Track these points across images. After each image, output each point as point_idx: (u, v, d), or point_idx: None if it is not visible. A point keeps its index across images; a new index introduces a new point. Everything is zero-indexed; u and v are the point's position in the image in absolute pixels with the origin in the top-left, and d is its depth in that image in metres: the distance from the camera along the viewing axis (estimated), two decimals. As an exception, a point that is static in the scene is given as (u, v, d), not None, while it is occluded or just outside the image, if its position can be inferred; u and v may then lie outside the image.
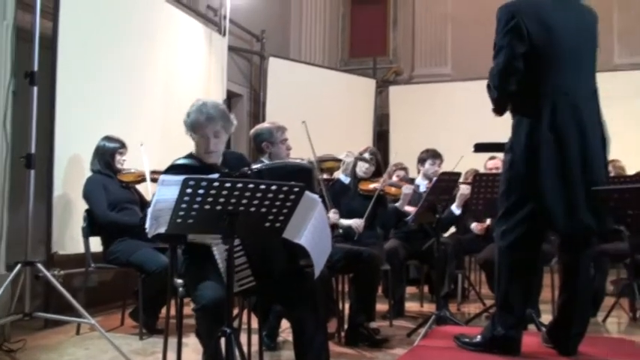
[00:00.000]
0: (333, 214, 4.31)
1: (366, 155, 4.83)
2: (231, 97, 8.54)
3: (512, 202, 3.08)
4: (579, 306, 3.12)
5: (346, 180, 4.75)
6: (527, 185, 3.02)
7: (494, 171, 5.50)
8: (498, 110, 3.11)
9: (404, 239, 5.28)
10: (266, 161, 3.89)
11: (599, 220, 2.99)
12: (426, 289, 6.17)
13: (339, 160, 4.65)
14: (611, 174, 5.27)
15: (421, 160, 5.51)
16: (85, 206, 4.63)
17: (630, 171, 5.51)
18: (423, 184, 5.36)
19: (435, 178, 4.66)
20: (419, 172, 5.57)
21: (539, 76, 3.00)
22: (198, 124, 3.05)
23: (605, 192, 2.35)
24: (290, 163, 3.65)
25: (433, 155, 5.45)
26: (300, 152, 4.30)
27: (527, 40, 2.96)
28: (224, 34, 7.62)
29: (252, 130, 4.17)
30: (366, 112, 9.55)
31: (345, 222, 4.54)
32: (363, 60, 10.28)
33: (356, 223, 4.53)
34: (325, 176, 4.80)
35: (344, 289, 4.60)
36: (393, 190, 4.89)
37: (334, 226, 4.37)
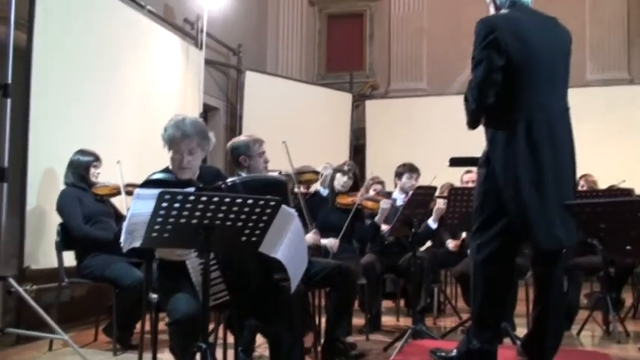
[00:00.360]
0: (313, 235, 4.27)
1: (345, 167, 4.85)
2: (207, 111, 8.52)
3: (487, 215, 3.11)
4: (553, 319, 3.14)
5: (324, 192, 4.76)
6: (502, 199, 3.05)
7: (470, 185, 5.54)
8: (472, 123, 3.14)
9: (380, 253, 5.29)
10: (243, 175, 3.88)
11: (570, 234, 3.03)
12: (402, 303, 6.18)
13: (318, 173, 4.65)
14: (584, 188, 5.34)
15: (398, 174, 5.54)
16: (59, 220, 4.57)
17: (600, 185, 5.58)
18: (400, 198, 5.38)
19: (410, 192, 4.68)
20: (396, 186, 5.59)
21: (515, 90, 3.04)
22: (174, 139, 3.04)
23: (578, 206, 2.38)
24: (264, 177, 3.65)
25: (410, 169, 5.48)
26: (278, 165, 4.30)
27: (505, 54, 3.00)
28: (201, 48, 7.62)
29: (229, 144, 4.14)
30: (343, 126, 9.58)
31: (322, 241, 4.52)
32: (340, 74, 10.33)
33: (330, 242, 4.52)
34: (303, 189, 4.79)
35: (320, 303, 4.59)
36: (370, 204, 4.90)
37: (317, 247, 4.34)
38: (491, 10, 3.26)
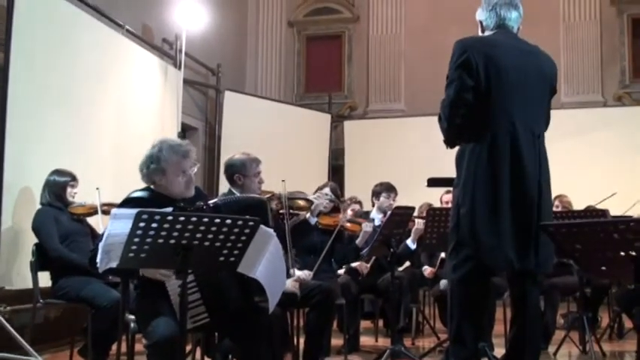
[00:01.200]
0: (293, 282, 4.22)
1: (327, 190, 4.84)
2: (186, 130, 8.50)
3: (462, 236, 3.13)
4: (530, 339, 3.16)
5: (313, 221, 4.71)
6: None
7: (449, 205, 5.58)
8: (447, 141, 3.18)
9: (356, 273, 5.28)
10: (237, 193, 3.85)
11: (522, 256, 3.03)
12: (381, 323, 6.17)
13: (310, 202, 4.61)
14: (559, 209, 5.39)
15: (375, 194, 5.53)
16: (34, 240, 4.51)
17: (575, 206, 5.64)
18: (377, 218, 5.38)
19: (389, 212, 4.70)
20: (373, 206, 5.59)
21: (483, 112, 3.08)
22: (178, 162, 3.03)
23: (554, 227, 2.40)
24: (245, 198, 3.63)
25: (387, 188, 5.48)
26: (266, 186, 4.28)
27: (476, 75, 3.04)
28: (179, 68, 7.62)
29: (226, 160, 4.08)
30: (322, 147, 9.61)
31: (297, 273, 4.49)
32: (319, 95, 10.38)
33: (304, 274, 4.50)
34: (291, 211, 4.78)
35: (299, 324, 4.57)
36: (351, 226, 4.90)
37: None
38: (479, 31, 3.32)
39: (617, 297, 5.52)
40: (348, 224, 4.90)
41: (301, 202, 4.55)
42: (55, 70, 5.32)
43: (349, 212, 5.53)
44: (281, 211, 4.34)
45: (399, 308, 5.06)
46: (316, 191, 4.92)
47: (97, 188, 4.70)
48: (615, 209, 5.28)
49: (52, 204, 4.59)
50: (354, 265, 5.35)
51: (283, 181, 4.25)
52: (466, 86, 3.05)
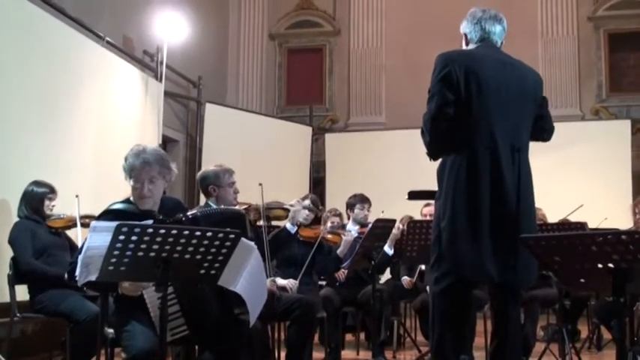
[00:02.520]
0: (270, 282, 4.21)
1: (307, 202, 4.85)
2: (167, 143, 8.46)
3: (443, 249, 3.14)
4: (510, 352, 3.17)
5: (292, 229, 4.70)
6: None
7: (429, 217, 5.59)
8: (430, 154, 3.20)
9: (339, 286, 5.28)
10: (213, 205, 3.85)
11: (502, 270, 3.03)
12: (362, 336, 6.16)
13: (287, 210, 4.61)
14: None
15: (350, 206, 5.52)
16: (11, 253, 4.45)
17: (551, 219, 5.68)
18: (354, 229, 5.35)
19: (370, 225, 4.70)
20: (349, 218, 5.59)
21: (464, 125, 3.10)
22: (134, 168, 2.99)
23: (532, 239, 2.42)
24: (223, 209, 3.62)
25: (361, 200, 5.47)
26: (247, 197, 4.28)
27: (456, 88, 3.07)
28: (160, 80, 7.59)
29: (199, 173, 4.11)
30: (303, 159, 9.61)
31: (280, 282, 4.48)
32: (300, 108, 10.40)
33: (290, 283, 4.49)
34: (274, 223, 4.77)
35: (280, 337, 4.55)
36: (332, 237, 4.91)
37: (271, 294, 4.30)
38: (463, 43, 3.34)
39: (595, 309, 5.56)
40: (329, 235, 4.90)
41: (279, 212, 4.56)
42: (34, 81, 5.28)
43: (329, 224, 5.52)
44: (259, 223, 4.33)
45: (380, 321, 5.06)
46: (305, 207, 4.91)
47: (77, 196, 4.66)
48: (593, 222, 5.33)
49: (29, 217, 4.54)
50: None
51: (260, 184, 4.25)
52: (447, 100, 3.06)
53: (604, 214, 5.89)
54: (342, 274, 5.28)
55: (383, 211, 5.16)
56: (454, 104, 3.07)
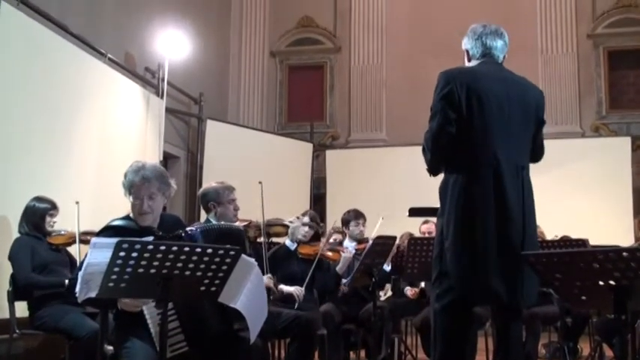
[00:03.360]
0: (267, 279, 4.24)
1: (307, 220, 4.84)
2: (167, 159, 8.47)
3: (446, 267, 3.13)
4: (512, 370, 3.16)
5: (292, 246, 4.70)
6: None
7: (427, 235, 5.58)
8: (431, 171, 3.20)
9: (340, 303, 5.26)
10: (213, 221, 3.87)
11: (510, 290, 3.01)
12: (362, 353, 6.12)
13: (287, 226, 4.62)
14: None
15: (345, 222, 5.44)
16: (12, 270, 4.44)
17: (550, 235, 5.67)
18: (351, 246, 5.30)
19: (370, 242, 4.69)
20: (345, 235, 5.54)
21: (466, 143, 3.10)
22: (134, 184, 3.00)
23: (534, 256, 2.42)
24: (221, 226, 3.63)
25: (355, 216, 5.40)
26: (247, 214, 4.28)
27: (458, 106, 3.07)
28: (162, 96, 7.62)
29: (200, 190, 4.16)
30: (304, 176, 9.62)
31: (285, 288, 4.48)
32: (301, 124, 10.42)
33: (297, 290, 4.49)
34: (274, 239, 4.77)
35: (280, 355, 4.53)
36: (331, 254, 4.89)
37: (268, 290, 4.32)
38: (466, 60, 3.34)
39: (597, 326, 5.53)
40: (329, 253, 4.88)
41: (278, 228, 4.57)
42: (36, 98, 5.30)
43: (330, 241, 5.50)
44: (259, 239, 4.34)
45: (381, 338, 5.04)
46: (304, 223, 4.90)
47: (77, 202, 4.65)
48: (594, 239, 5.32)
49: (29, 233, 4.53)
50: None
51: (260, 182, 4.27)
52: (449, 119, 3.06)
53: (605, 231, 5.89)
54: (343, 287, 5.25)
55: (382, 218, 5.12)
56: (456, 122, 3.08)
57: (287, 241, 4.69)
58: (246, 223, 4.26)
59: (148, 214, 3.03)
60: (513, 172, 3.09)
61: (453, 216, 3.06)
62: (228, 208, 4.00)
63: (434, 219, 4.05)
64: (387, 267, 5.21)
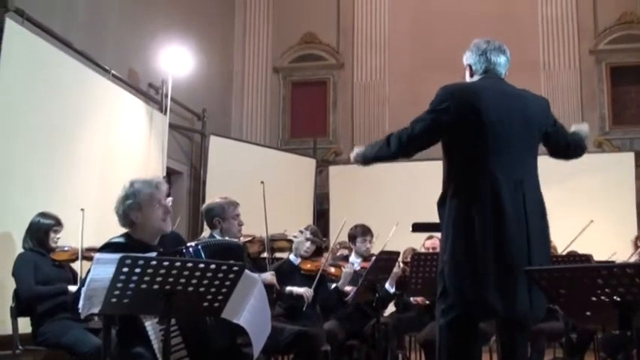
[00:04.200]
0: (270, 276, 4.25)
1: (309, 235, 4.83)
2: (171, 175, 8.48)
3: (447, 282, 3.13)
4: (517, 385, 3.13)
5: (296, 261, 4.69)
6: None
7: (431, 250, 5.57)
8: (372, 160, 3.23)
9: (343, 319, 5.23)
10: (217, 237, 3.88)
11: (509, 304, 2.99)
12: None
13: (291, 241, 4.63)
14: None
15: (352, 238, 5.39)
16: (14, 285, 4.43)
17: (560, 250, 5.66)
18: (357, 262, 5.27)
19: (374, 257, 4.68)
20: (351, 250, 5.51)
21: (463, 160, 3.11)
22: (151, 194, 3.01)
23: (537, 272, 2.41)
24: (222, 241, 3.64)
25: (362, 232, 5.34)
26: (251, 229, 4.29)
27: (449, 124, 3.08)
28: (165, 112, 7.65)
29: (204, 205, 4.18)
30: (307, 191, 9.62)
31: (295, 290, 4.48)
32: (304, 140, 10.44)
33: (307, 292, 4.48)
34: (278, 254, 4.78)
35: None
36: (333, 270, 4.89)
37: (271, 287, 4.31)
38: (467, 74, 3.35)
39: (602, 342, 5.50)
40: (331, 269, 4.87)
41: (282, 243, 4.58)
42: (40, 114, 5.32)
43: (330, 256, 5.47)
44: (263, 255, 4.35)
45: (385, 354, 5.01)
46: (308, 238, 4.89)
47: (82, 209, 4.66)
48: (597, 254, 5.31)
49: (33, 249, 4.53)
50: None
51: (262, 182, 4.29)
52: (431, 131, 3.12)
53: (608, 247, 5.87)
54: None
55: (397, 224, 5.11)
56: (451, 137, 3.10)
57: (291, 256, 4.68)
58: (249, 238, 4.28)
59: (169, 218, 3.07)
60: (511, 187, 3.07)
61: (451, 232, 3.06)
62: (233, 223, 4.02)
63: (438, 234, 4.05)
64: (392, 289, 5.18)
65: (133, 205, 3.02)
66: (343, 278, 4.84)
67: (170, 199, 3.10)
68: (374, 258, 4.63)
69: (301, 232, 4.80)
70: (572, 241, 5.12)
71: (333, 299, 5.02)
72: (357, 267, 5.14)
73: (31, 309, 4.40)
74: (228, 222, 4.00)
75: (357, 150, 3.46)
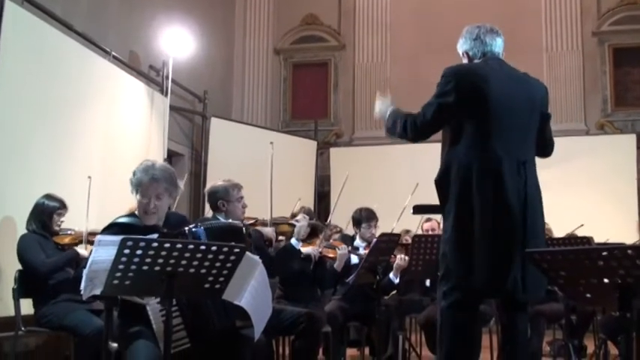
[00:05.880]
0: (316, 252, 4.35)
1: (301, 216, 4.80)
2: (172, 157, 8.48)
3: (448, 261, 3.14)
4: (518, 365, 3.16)
5: (297, 245, 4.67)
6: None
7: (430, 232, 5.57)
8: (392, 135, 3.37)
9: (344, 300, 5.26)
10: (221, 219, 3.89)
11: (500, 283, 3.02)
12: (367, 351, 6.12)
13: (293, 225, 4.62)
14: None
15: (357, 222, 5.34)
16: (17, 267, 4.44)
17: (558, 232, 5.66)
18: (362, 247, 5.25)
19: (374, 240, 4.68)
20: (356, 233, 5.49)
21: (466, 140, 3.11)
22: (142, 183, 3.03)
23: (538, 254, 2.41)
24: (222, 223, 3.65)
25: (368, 218, 5.28)
26: (252, 211, 4.30)
27: (456, 104, 3.08)
28: (166, 94, 7.63)
29: (208, 188, 4.17)
30: (308, 173, 9.62)
31: (305, 249, 4.50)
32: (305, 122, 10.42)
33: (315, 251, 4.49)
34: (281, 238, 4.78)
35: (284, 352, 4.53)
36: (330, 252, 4.88)
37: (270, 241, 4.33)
38: (465, 62, 3.34)
39: (602, 324, 5.52)
40: (327, 250, 4.86)
41: (285, 227, 4.58)
42: (41, 96, 5.31)
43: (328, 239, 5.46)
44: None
45: (386, 336, 5.03)
46: (290, 218, 4.88)
47: (89, 177, 4.73)
48: (598, 236, 5.31)
49: (36, 231, 4.53)
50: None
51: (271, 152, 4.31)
52: (441, 114, 3.13)
53: (609, 229, 5.88)
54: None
55: (393, 228, 5.11)
56: (456, 118, 3.11)
57: (293, 240, 4.66)
58: (252, 221, 4.28)
59: (153, 214, 3.06)
60: (514, 168, 3.09)
61: (453, 211, 3.08)
62: (237, 206, 4.03)
63: (436, 217, 4.06)
64: (396, 280, 5.17)
65: (132, 185, 3.10)
66: (339, 260, 4.86)
67: (162, 200, 3.08)
68: (374, 240, 4.64)
69: (304, 216, 4.80)
70: (565, 237, 5.12)
71: (331, 281, 5.04)
72: (362, 251, 5.11)
73: (42, 286, 4.38)
74: (232, 204, 4.01)
75: (381, 107, 3.45)
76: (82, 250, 4.45)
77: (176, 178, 3.16)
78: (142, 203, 3.05)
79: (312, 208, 9.15)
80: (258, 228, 4.33)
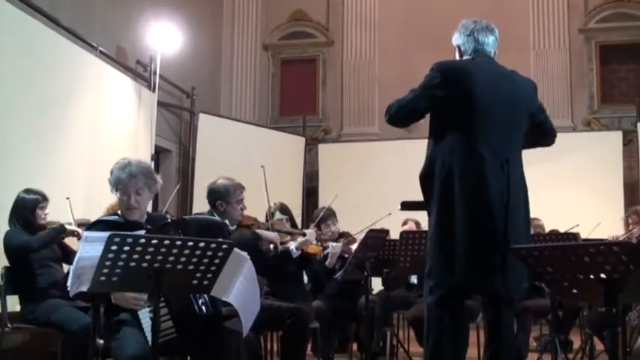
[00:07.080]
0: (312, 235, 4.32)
1: (279, 215, 4.71)
2: (159, 153, 8.45)
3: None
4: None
5: (295, 253, 4.57)
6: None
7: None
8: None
9: (332, 297, 5.26)
10: (216, 216, 3.85)
11: (480, 279, 3.06)
12: (354, 347, 6.13)
13: (298, 235, 4.55)
14: (531, 232, 5.43)
15: (316, 224, 5.15)
16: (3, 263, 4.41)
17: (547, 228, 5.70)
18: (337, 246, 5.15)
19: (363, 235, 4.67)
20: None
21: (450, 138, 3.13)
22: (120, 180, 3.09)
23: (525, 250, 2.43)
24: (204, 218, 3.64)
25: (323, 218, 5.13)
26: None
27: (440, 99, 3.11)
28: (154, 90, 7.59)
29: (209, 184, 4.03)
30: (296, 169, 9.62)
31: (299, 240, 4.44)
32: (293, 118, 10.41)
33: (310, 235, 4.44)
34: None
35: (272, 348, 4.53)
36: (313, 248, 4.80)
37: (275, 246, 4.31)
38: (457, 55, 3.36)
39: (588, 319, 5.56)
40: (309, 247, 4.77)
41: (315, 248, 4.57)
42: (27, 90, 5.27)
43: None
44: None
45: (373, 332, 5.04)
46: (266, 216, 4.72)
47: (68, 198, 4.64)
48: (585, 232, 5.35)
49: (20, 228, 4.48)
50: None
51: (262, 166, 4.28)
52: (420, 102, 3.16)
53: (595, 225, 5.92)
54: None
55: (390, 213, 5.06)
56: (438, 112, 3.15)
57: (292, 249, 4.56)
58: (251, 222, 4.21)
59: (136, 209, 3.13)
60: (497, 166, 3.09)
61: (436, 208, 3.11)
62: (236, 208, 3.94)
63: (415, 217, 4.08)
64: (415, 280, 5.20)
65: (111, 184, 3.15)
66: (330, 257, 4.86)
67: (141, 195, 3.12)
68: (363, 236, 4.62)
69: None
70: (551, 233, 5.15)
71: (323, 278, 5.03)
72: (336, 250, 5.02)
73: (30, 285, 4.36)
74: (231, 206, 3.91)
75: None
76: (69, 226, 4.44)
77: (153, 172, 3.23)
78: (123, 200, 3.12)
79: (301, 204, 9.21)
80: (260, 231, 4.23)
